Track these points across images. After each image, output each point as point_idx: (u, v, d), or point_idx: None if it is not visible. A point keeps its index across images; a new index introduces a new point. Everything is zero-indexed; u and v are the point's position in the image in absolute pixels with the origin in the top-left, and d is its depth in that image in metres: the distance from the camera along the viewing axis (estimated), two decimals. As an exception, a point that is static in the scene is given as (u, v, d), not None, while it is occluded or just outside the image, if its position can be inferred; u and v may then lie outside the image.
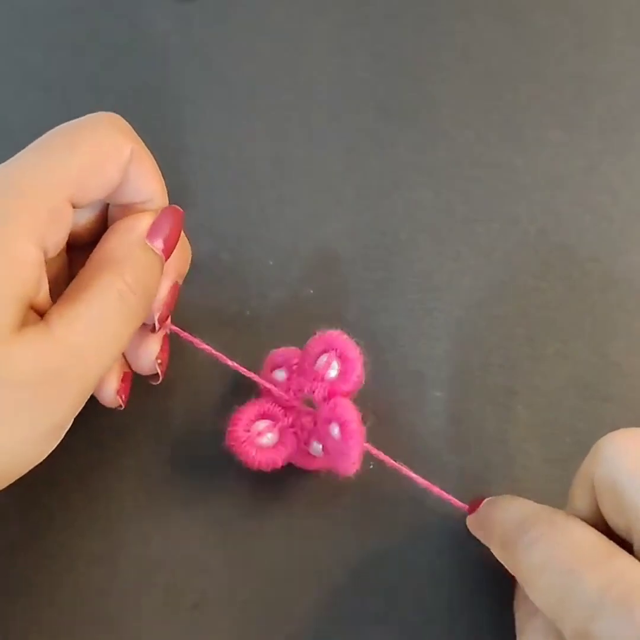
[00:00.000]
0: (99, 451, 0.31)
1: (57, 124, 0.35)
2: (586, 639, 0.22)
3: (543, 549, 0.24)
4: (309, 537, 0.30)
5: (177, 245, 0.28)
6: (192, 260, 0.30)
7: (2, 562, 0.30)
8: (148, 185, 0.28)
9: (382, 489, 0.31)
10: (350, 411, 0.28)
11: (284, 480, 0.31)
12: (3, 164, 0.25)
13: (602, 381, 0.33)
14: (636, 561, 0.22)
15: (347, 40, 0.39)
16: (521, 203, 0.36)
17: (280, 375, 0.30)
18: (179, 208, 0.28)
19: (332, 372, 0.29)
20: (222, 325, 0.31)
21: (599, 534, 0.24)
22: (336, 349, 0.30)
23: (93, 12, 0.39)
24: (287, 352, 0.31)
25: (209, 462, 0.31)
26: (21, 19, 0.39)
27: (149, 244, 0.27)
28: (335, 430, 0.28)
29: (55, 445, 0.25)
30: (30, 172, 0.25)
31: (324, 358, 0.30)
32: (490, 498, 0.28)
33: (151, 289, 0.27)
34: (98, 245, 0.27)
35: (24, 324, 0.24)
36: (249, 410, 0.30)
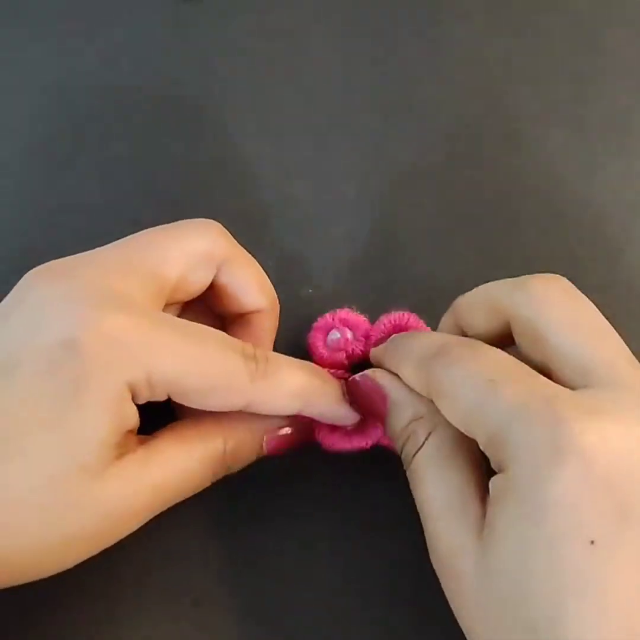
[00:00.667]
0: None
1: (56, 125, 0.35)
2: (501, 442, 0.22)
3: (465, 365, 0.24)
4: (309, 536, 0.30)
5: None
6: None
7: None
8: (251, 296, 0.29)
9: (384, 490, 0.31)
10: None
11: (284, 480, 0.31)
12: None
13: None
14: (553, 383, 0.23)
15: (347, 41, 0.39)
16: (521, 203, 0.36)
17: (335, 334, 0.32)
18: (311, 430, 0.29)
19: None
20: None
21: (518, 361, 0.25)
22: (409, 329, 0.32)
23: (93, 13, 0.39)
24: (344, 313, 0.32)
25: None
26: (21, 19, 0.39)
27: (264, 443, 0.28)
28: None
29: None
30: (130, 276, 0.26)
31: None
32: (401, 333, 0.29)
33: (235, 470, 0.28)
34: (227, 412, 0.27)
35: (122, 451, 0.24)
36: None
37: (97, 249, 0.27)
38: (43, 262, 0.27)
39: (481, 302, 0.27)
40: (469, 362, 0.24)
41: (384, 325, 0.32)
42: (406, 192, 0.36)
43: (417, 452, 0.26)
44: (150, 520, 0.30)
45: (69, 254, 0.27)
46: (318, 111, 0.37)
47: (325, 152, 0.37)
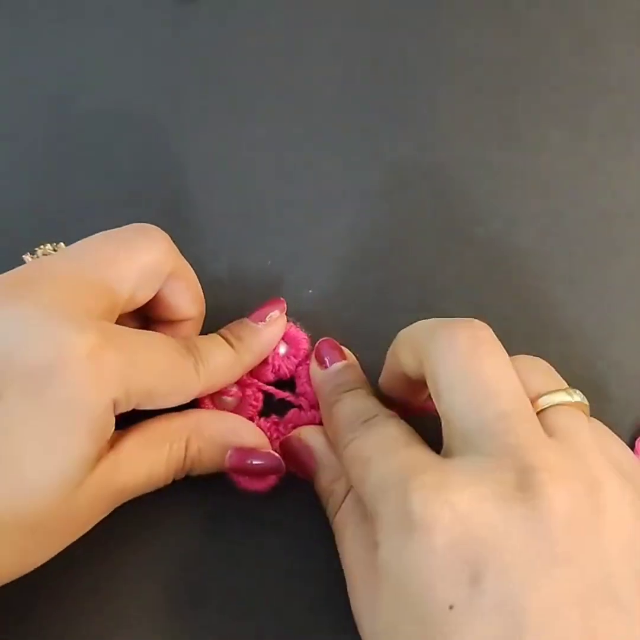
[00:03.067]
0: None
1: (56, 127, 0.35)
2: (373, 517, 0.24)
3: (356, 444, 0.26)
4: (309, 535, 0.30)
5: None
6: (191, 260, 0.31)
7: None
8: (186, 307, 0.30)
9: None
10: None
11: (284, 479, 0.31)
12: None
13: (602, 381, 0.33)
14: (425, 451, 0.25)
15: (347, 42, 0.39)
16: (521, 203, 0.36)
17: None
18: (282, 464, 0.29)
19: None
20: (222, 325, 0.31)
21: (408, 428, 0.26)
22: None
23: (92, 13, 0.39)
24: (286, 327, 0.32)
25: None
26: (20, 19, 0.39)
27: (228, 457, 0.29)
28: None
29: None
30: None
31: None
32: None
33: (191, 474, 0.29)
34: (198, 411, 0.30)
35: (100, 456, 0.26)
36: None
37: (47, 259, 0.28)
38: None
39: (408, 343, 0.28)
40: (359, 440, 0.26)
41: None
42: (406, 192, 0.36)
43: (337, 510, 0.28)
44: (150, 520, 0.30)
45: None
46: (318, 111, 0.37)
47: (325, 152, 0.37)
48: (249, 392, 0.31)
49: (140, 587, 0.30)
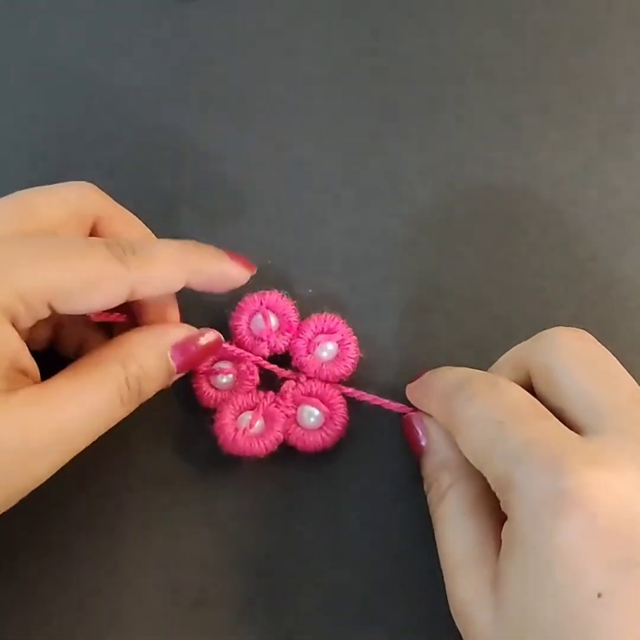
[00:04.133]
0: (98, 450, 0.31)
1: (55, 126, 0.35)
2: (507, 484, 0.23)
3: (479, 402, 0.25)
4: (310, 536, 0.30)
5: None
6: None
7: (2, 562, 0.30)
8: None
9: (387, 490, 0.31)
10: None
11: (285, 479, 0.31)
12: None
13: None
14: (563, 426, 0.24)
15: (346, 41, 0.39)
16: (521, 203, 0.36)
17: (259, 321, 0.31)
18: (219, 337, 0.29)
19: (325, 354, 0.31)
20: (222, 325, 0.31)
21: (535, 399, 0.25)
22: (336, 333, 0.31)
23: (92, 13, 0.39)
24: (273, 297, 0.31)
25: (210, 461, 0.31)
26: (20, 19, 0.39)
27: (169, 358, 0.28)
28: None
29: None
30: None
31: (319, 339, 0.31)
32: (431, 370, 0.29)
33: (148, 393, 0.28)
34: (125, 334, 0.28)
35: (12, 387, 0.24)
36: (228, 408, 0.30)
37: None
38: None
39: (506, 360, 0.28)
40: (484, 399, 0.25)
41: (315, 325, 0.31)
42: (406, 192, 0.36)
43: (439, 501, 0.27)
44: (150, 520, 0.30)
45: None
46: (317, 111, 0.37)
47: (325, 151, 0.37)
48: (243, 367, 0.31)
49: (141, 588, 0.30)
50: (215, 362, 0.31)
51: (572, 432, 0.24)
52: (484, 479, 0.25)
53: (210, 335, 0.29)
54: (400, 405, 0.30)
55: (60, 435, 0.25)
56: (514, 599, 0.22)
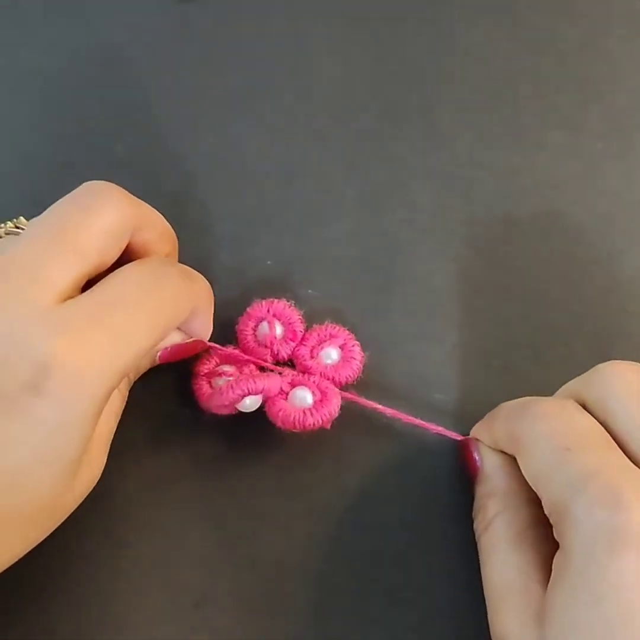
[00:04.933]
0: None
1: (54, 125, 0.35)
2: (563, 512, 0.23)
3: (548, 423, 0.25)
4: (311, 536, 0.30)
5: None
6: (192, 260, 0.31)
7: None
8: (156, 247, 0.29)
9: (388, 491, 0.31)
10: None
11: (285, 479, 0.31)
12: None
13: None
14: (628, 459, 0.24)
15: (347, 42, 0.39)
16: (521, 204, 0.35)
17: (265, 328, 0.31)
18: (205, 343, 0.30)
19: (329, 360, 0.31)
20: (222, 325, 0.31)
21: (603, 429, 0.25)
22: (337, 338, 0.31)
23: (92, 13, 0.39)
24: (280, 306, 0.32)
25: (210, 461, 0.31)
26: (20, 19, 0.39)
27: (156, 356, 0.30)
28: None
29: None
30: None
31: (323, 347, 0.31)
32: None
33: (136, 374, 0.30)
34: None
35: None
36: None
37: (9, 245, 0.26)
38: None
39: (563, 392, 0.28)
40: (552, 420, 0.25)
41: (318, 334, 0.31)
42: (406, 192, 0.36)
43: (486, 528, 0.27)
44: (151, 521, 0.30)
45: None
46: (318, 111, 0.37)
47: (325, 152, 0.37)
48: (246, 370, 0.31)
49: (141, 588, 0.30)
50: (218, 364, 0.31)
51: (635, 466, 0.24)
52: (533, 510, 0.25)
53: (193, 344, 0.30)
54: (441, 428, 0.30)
55: (101, 441, 0.27)
56: (561, 633, 0.22)
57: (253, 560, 0.30)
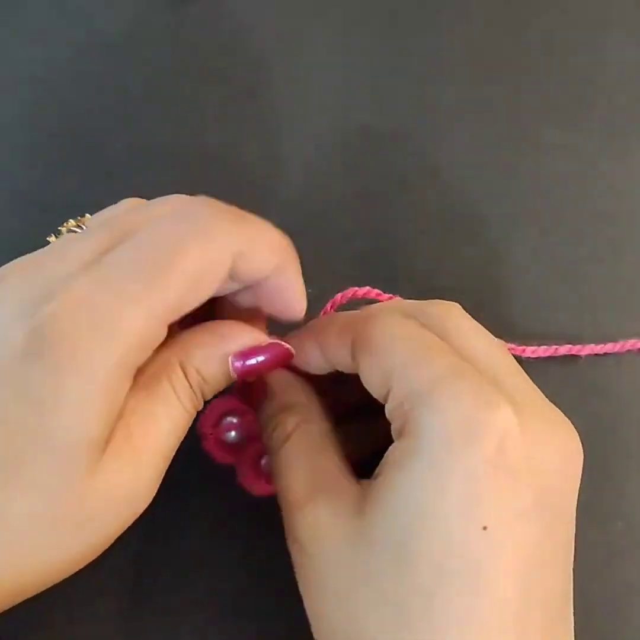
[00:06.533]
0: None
1: (54, 124, 0.35)
2: (420, 404, 0.22)
3: (403, 327, 0.25)
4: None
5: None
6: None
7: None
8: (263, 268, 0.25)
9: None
10: None
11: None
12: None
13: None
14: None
15: (347, 41, 0.39)
16: (522, 203, 0.36)
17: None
18: (289, 349, 0.26)
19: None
20: None
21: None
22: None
23: (92, 13, 0.39)
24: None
25: (210, 461, 0.31)
26: (20, 19, 0.39)
27: (230, 363, 0.25)
28: None
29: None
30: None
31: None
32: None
33: (207, 395, 0.25)
34: (183, 333, 0.25)
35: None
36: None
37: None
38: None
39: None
40: (407, 328, 0.25)
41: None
42: (406, 192, 0.36)
43: (284, 440, 0.26)
44: (151, 521, 0.30)
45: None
46: (318, 110, 0.37)
47: (325, 151, 0.37)
48: (250, 417, 0.30)
49: (141, 588, 0.30)
50: (221, 418, 0.30)
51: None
52: (329, 423, 0.26)
53: (278, 350, 0.26)
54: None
55: (156, 456, 0.24)
56: (389, 521, 0.22)
57: (254, 559, 0.30)
